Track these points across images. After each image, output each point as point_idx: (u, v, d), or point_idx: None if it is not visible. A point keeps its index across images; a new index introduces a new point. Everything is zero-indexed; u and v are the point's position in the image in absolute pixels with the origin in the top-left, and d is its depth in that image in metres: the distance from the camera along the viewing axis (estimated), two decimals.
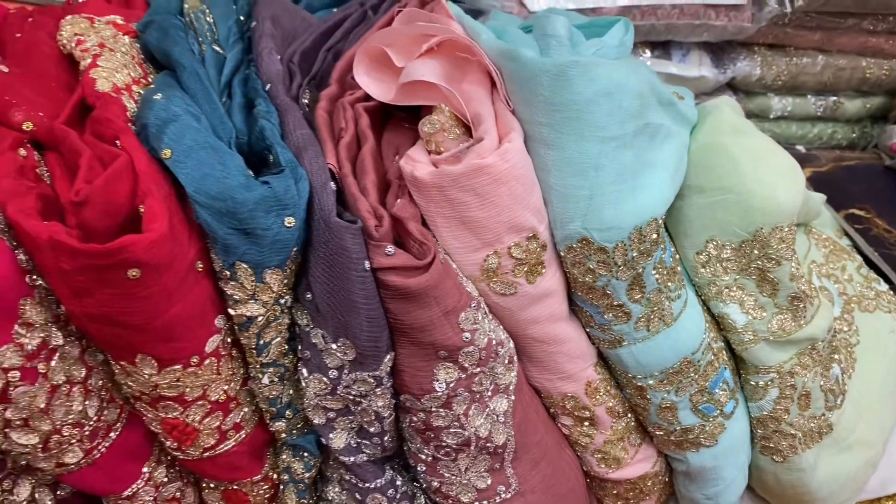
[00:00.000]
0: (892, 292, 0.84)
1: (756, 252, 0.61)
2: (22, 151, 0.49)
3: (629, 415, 0.63)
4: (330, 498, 0.57)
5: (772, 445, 0.66)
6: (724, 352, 0.64)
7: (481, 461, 0.54)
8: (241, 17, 0.69)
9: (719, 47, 1.06)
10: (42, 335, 0.42)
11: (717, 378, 0.62)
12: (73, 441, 0.45)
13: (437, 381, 0.49)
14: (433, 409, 0.51)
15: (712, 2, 0.99)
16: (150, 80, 0.58)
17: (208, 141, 0.46)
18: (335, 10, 0.76)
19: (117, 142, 0.46)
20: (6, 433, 0.43)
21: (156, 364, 0.44)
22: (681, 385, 0.60)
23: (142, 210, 0.41)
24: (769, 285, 0.62)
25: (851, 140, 1.23)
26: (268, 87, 0.58)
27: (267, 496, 0.57)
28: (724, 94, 1.09)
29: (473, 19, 0.62)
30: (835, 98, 1.17)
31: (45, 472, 0.47)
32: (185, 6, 0.67)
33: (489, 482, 0.55)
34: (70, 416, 0.44)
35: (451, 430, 0.51)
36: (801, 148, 1.18)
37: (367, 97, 0.61)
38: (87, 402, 0.45)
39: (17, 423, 0.42)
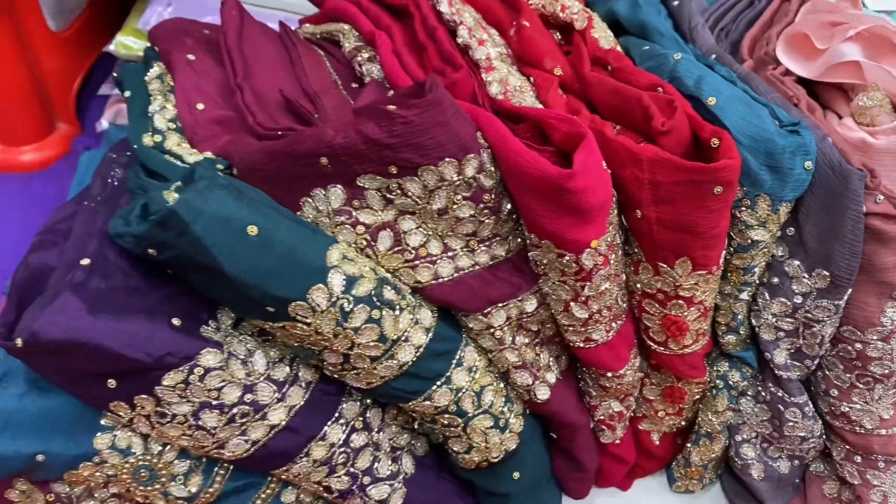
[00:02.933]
0: None
1: None
2: (560, 91, 0.61)
3: None
4: (741, 408, 0.68)
5: None
6: None
7: (892, 394, 0.62)
8: None
9: None
10: (614, 233, 0.54)
11: None
12: (602, 322, 0.57)
13: (885, 316, 0.58)
14: (871, 342, 0.60)
15: None
16: (617, 46, 0.69)
17: (737, 94, 0.57)
18: None
19: (660, 88, 0.57)
20: (569, 305, 0.55)
21: (690, 267, 0.55)
22: None
23: (715, 143, 0.52)
24: None
25: None
26: (713, 56, 0.68)
27: (696, 397, 0.67)
28: None
29: None
30: None
31: (571, 344, 0.59)
32: None
33: (891, 413, 0.63)
34: (608, 301, 0.56)
35: (882, 361, 0.60)
36: None
37: (788, 72, 0.70)
38: (619, 292, 0.57)
39: (583, 299, 0.55)
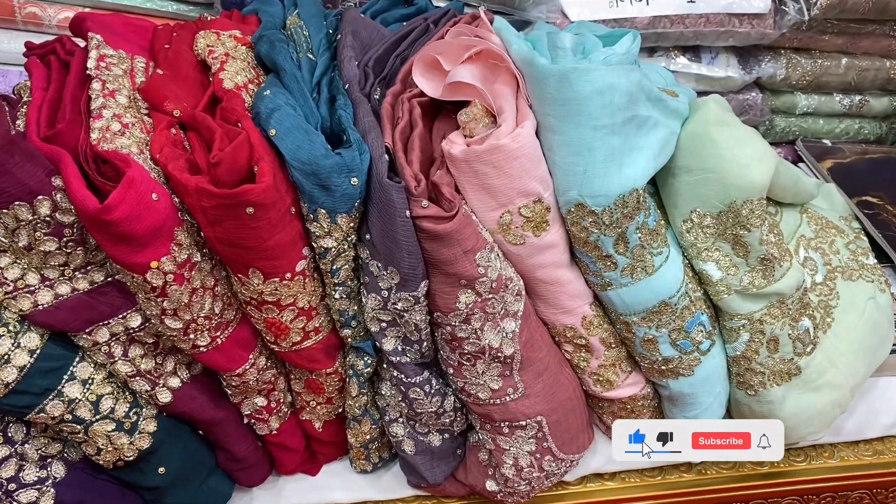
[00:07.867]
0: (877, 266, 0.96)
1: (731, 220, 0.76)
2: (173, 130, 0.69)
3: (621, 346, 0.79)
4: (383, 392, 0.76)
5: (744, 381, 0.81)
6: (702, 301, 0.79)
7: (494, 367, 0.71)
8: (330, 31, 0.89)
9: (746, 50, 1.19)
10: (187, 252, 0.62)
11: (693, 320, 0.77)
12: (204, 330, 0.66)
13: (459, 302, 0.67)
14: (456, 324, 0.69)
15: (736, 11, 1.11)
16: (260, 80, 0.78)
17: (300, 124, 0.65)
18: (405, 23, 0.94)
19: (239, 124, 0.66)
20: (162, 319, 0.63)
21: (262, 276, 0.64)
22: (660, 323, 0.75)
23: (256, 169, 0.61)
24: (742, 248, 0.77)
25: (879, 135, 1.32)
26: (346, 86, 0.77)
27: (337, 387, 0.76)
28: (752, 92, 1.22)
29: (513, 31, 0.79)
30: (860, 96, 1.26)
31: (184, 351, 0.68)
32: (287, 22, 0.87)
33: (500, 385, 0.72)
34: (203, 312, 0.65)
35: (470, 340, 0.69)
36: (826, 142, 1.29)
37: (423, 94, 0.79)
38: (214, 303, 0.66)
39: (170, 312, 0.63)
